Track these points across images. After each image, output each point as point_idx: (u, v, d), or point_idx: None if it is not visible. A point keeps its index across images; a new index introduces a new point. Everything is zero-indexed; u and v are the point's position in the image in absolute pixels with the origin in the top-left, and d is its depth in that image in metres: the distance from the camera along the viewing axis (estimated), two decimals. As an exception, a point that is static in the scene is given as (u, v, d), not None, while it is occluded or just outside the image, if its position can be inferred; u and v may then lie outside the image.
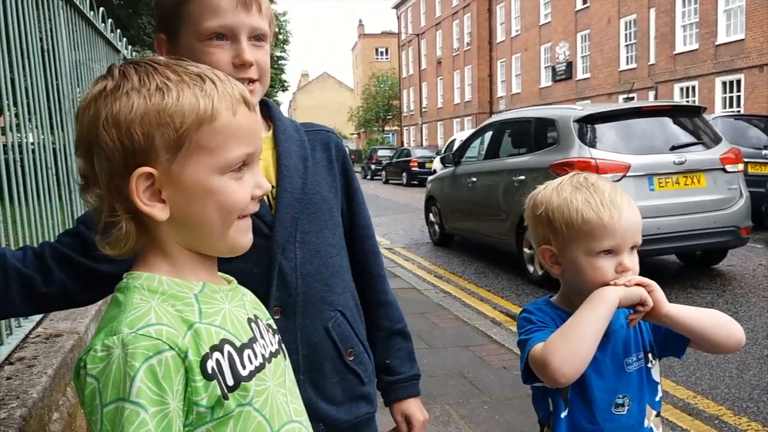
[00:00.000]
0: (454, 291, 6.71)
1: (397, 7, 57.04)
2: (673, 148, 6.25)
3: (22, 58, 2.45)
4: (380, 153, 34.84)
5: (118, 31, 4.93)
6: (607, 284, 1.26)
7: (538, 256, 1.41)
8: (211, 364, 0.81)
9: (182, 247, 0.88)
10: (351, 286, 1.38)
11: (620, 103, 9.21)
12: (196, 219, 0.86)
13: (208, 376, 0.80)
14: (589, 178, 1.36)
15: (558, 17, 32.60)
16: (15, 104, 2.41)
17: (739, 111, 18.44)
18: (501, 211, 7.34)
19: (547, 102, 29.17)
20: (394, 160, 28.79)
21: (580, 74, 31.33)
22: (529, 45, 35.95)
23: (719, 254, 7.04)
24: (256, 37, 1.21)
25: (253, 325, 0.93)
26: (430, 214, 9.97)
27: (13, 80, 2.33)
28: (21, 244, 2.19)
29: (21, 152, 2.40)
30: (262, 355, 0.91)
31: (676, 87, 22.79)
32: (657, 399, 1.37)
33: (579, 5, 30.78)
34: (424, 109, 51.30)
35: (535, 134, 7.07)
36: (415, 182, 24.49)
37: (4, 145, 2.25)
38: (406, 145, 49.59)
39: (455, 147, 12.23)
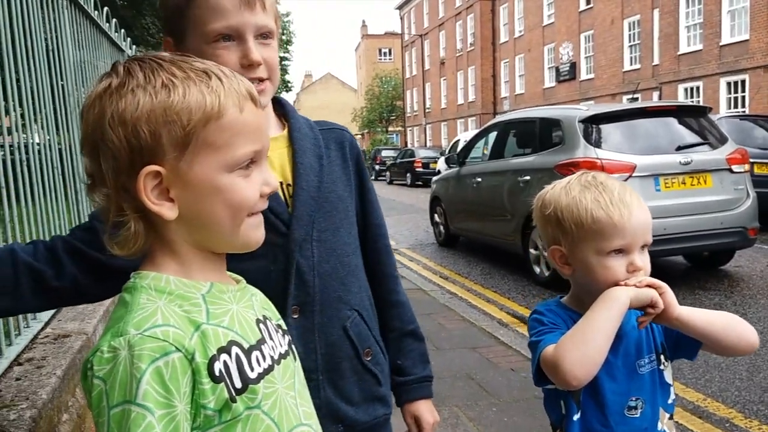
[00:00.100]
0: (460, 292, 6.69)
1: (400, 7, 57.07)
2: (679, 149, 6.22)
3: (27, 58, 2.45)
4: (384, 153, 34.86)
5: (123, 31, 4.94)
6: (618, 284, 1.24)
7: (548, 257, 1.40)
8: (218, 366, 0.80)
9: (191, 245, 0.87)
10: (366, 286, 1.37)
11: (626, 104, 9.21)
12: (205, 217, 0.84)
13: (215, 379, 0.79)
14: (597, 176, 1.34)
15: (561, 18, 32.57)
16: (20, 105, 2.41)
17: (743, 111, 18.38)
18: (506, 211, 7.32)
19: (551, 102, 29.13)
20: (398, 160, 28.77)
21: (583, 75, 31.30)
22: (532, 45, 35.93)
23: (726, 255, 7.00)
24: (263, 35, 1.19)
25: (261, 326, 0.92)
26: (435, 215, 9.96)
27: (18, 81, 2.33)
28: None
29: (27, 152, 2.40)
30: (271, 357, 0.89)
31: (681, 87, 22.75)
32: (670, 401, 1.35)
33: (582, 6, 30.76)
34: (427, 110, 51.32)
35: (540, 134, 7.04)
36: (420, 183, 24.49)
37: (11, 145, 2.25)
38: (410, 145, 49.58)
39: (459, 147, 12.23)
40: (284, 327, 1.02)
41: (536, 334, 1.29)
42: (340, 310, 1.28)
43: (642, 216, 1.28)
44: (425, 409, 1.42)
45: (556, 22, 33.17)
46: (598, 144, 6.21)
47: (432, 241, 10.15)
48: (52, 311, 2.40)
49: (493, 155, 8.22)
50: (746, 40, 19.95)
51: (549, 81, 34.59)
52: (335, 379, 1.27)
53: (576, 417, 1.29)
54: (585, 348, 1.17)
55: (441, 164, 16.92)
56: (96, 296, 1.19)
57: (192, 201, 0.84)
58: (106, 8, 4.16)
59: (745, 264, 7.22)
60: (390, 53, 72.39)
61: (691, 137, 6.52)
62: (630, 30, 27.58)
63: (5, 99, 2.16)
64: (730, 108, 20.55)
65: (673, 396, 1.36)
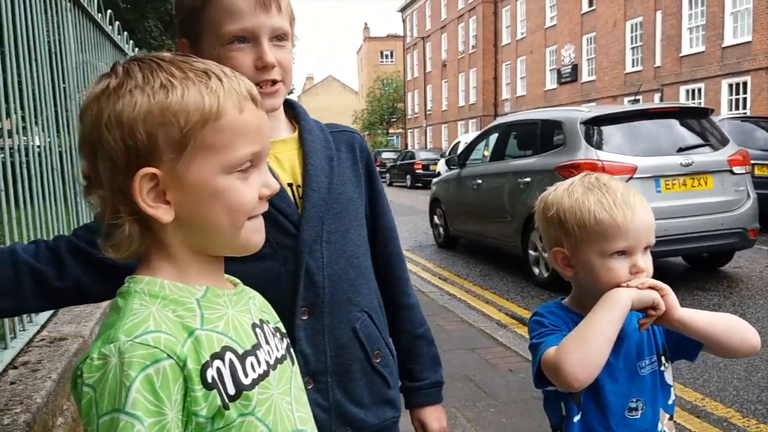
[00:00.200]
0: (459, 293, 6.69)
1: (402, 10, 57.09)
2: (680, 150, 6.21)
3: (29, 60, 2.45)
4: (384, 155, 34.84)
5: (125, 33, 4.94)
6: (620, 286, 1.24)
7: (549, 259, 1.39)
8: (211, 373, 0.79)
9: (188, 249, 0.86)
10: (375, 288, 1.36)
11: (627, 105, 9.20)
12: (202, 220, 0.83)
13: (208, 386, 0.78)
14: (600, 178, 1.34)
15: (564, 20, 32.57)
16: (22, 107, 2.41)
17: (745, 113, 18.36)
18: (506, 213, 7.32)
19: (552, 104, 29.13)
20: (399, 162, 28.76)
21: (585, 77, 31.29)
22: (534, 48, 35.92)
23: (726, 256, 7.00)
24: (278, 36, 1.19)
25: (257, 330, 0.90)
26: (435, 217, 9.95)
27: (20, 82, 2.33)
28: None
29: (27, 155, 2.40)
30: (267, 362, 0.88)
31: (682, 89, 22.72)
32: (670, 402, 1.35)
33: (585, 8, 30.75)
34: (428, 112, 51.30)
35: (541, 136, 7.04)
36: (420, 184, 24.48)
37: (11, 148, 2.25)
38: (410, 147, 49.58)
39: (460, 149, 12.22)
40: (283, 330, 1.01)
41: (537, 336, 1.28)
42: (349, 312, 1.27)
43: (645, 217, 1.27)
44: (432, 416, 1.42)
45: (559, 24, 33.16)
46: (599, 145, 6.20)
47: (431, 242, 10.15)
48: (49, 314, 2.40)
49: (493, 157, 8.21)
50: (749, 42, 19.94)
51: (550, 83, 34.57)
52: (345, 382, 1.26)
53: (576, 418, 1.29)
54: (587, 350, 1.17)
55: (441, 166, 16.91)
56: (100, 296, 1.18)
57: (189, 204, 0.82)
58: (109, 11, 4.16)
59: (745, 265, 7.22)
60: (392, 55, 72.39)
61: (692, 139, 6.52)
62: (632, 32, 27.57)
63: (6, 101, 2.16)
64: (731, 110, 20.53)
65: (673, 397, 1.36)
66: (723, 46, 20.87)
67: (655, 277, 1.26)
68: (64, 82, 3.05)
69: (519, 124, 8.08)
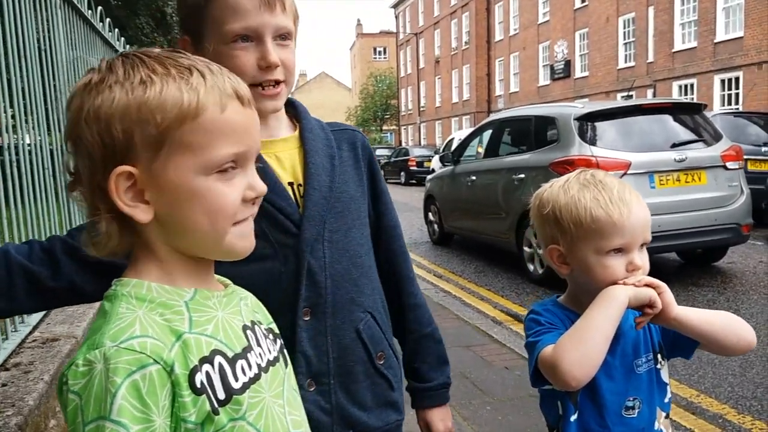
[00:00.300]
0: (454, 290, 6.69)
1: (395, 6, 57.00)
2: (674, 146, 6.23)
3: (19, 57, 2.43)
4: (378, 152, 34.72)
5: (116, 30, 4.90)
6: (616, 283, 1.23)
7: (545, 256, 1.38)
8: (200, 378, 0.77)
9: (172, 250, 0.83)
10: (379, 288, 1.34)
11: (620, 101, 9.21)
12: (181, 222, 0.81)
13: (196, 391, 0.76)
14: (596, 175, 1.33)
15: (556, 16, 32.60)
16: (11, 105, 2.38)
17: (738, 108, 18.43)
18: (501, 209, 7.32)
19: (546, 101, 29.17)
20: (393, 159, 28.75)
21: (578, 73, 31.34)
22: (527, 44, 35.94)
23: (720, 251, 7.03)
24: (281, 35, 1.17)
25: (248, 332, 0.88)
26: (429, 213, 9.95)
27: (9, 80, 2.30)
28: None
29: (17, 153, 2.37)
30: (258, 365, 0.86)
31: (675, 85, 22.79)
32: (666, 400, 1.34)
33: (577, 4, 30.78)
34: (422, 109, 51.29)
35: (535, 132, 7.04)
36: (414, 181, 24.48)
37: (0, 146, 2.22)
38: (404, 144, 49.58)
39: (453, 146, 12.22)
40: (276, 331, 0.99)
41: (534, 335, 1.27)
42: (352, 312, 1.25)
43: (641, 214, 1.26)
44: (437, 418, 1.41)
45: (551, 20, 33.19)
46: (593, 141, 6.21)
47: (426, 239, 10.14)
48: (41, 314, 2.38)
49: (487, 153, 8.21)
50: (740, 37, 20.00)
51: (544, 79, 34.61)
52: (347, 384, 1.24)
53: (573, 418, 1.28)
54: (584, 348, 1.16)
55: (435, 163, 16.94)
56: (95, 296, 1.15)
57: (167, 204, 0.80)
58: (99, 8, 4.13)
59: (738, 260, 7.24)
60: (385, 52, 72.34)
61: (685, 134, 6.53)
62: (625, 27, 27.62)
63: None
64: (724, 105, 20.60)
65: (669, 395, 1.36)
66: (715, 41, 20.93)
67: (650, 273, 1.25)
68: (54, 80, 3.02)
69: (513, 121, 8.08)
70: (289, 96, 1.30)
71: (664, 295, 1.22)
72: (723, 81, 20.98)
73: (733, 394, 3.71)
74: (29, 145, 2.54)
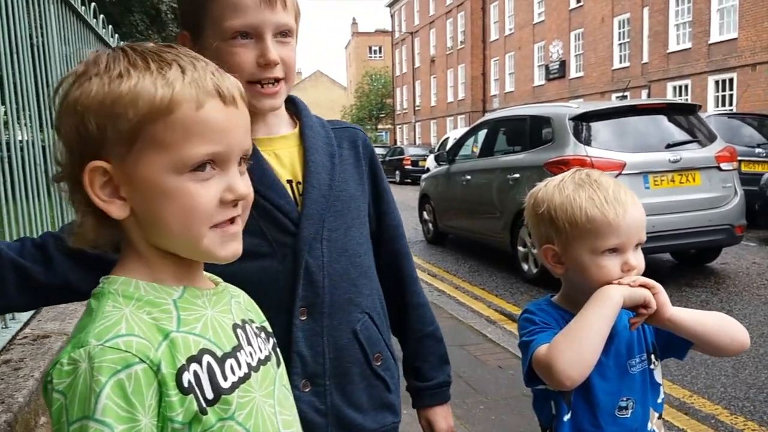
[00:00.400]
0: (448, 289, 6.69)
1: (390, 5, 57.00)
2: (669, 146, 6.24)
3: (11, 53, 2.41)
4: (373, 151, 34.75)
5: (110, 27, 4.88)
6: (611, 283, 1.23)
7: (539, 256, 1.38)
8: (187, 377, 0.75)
9: (155, 248, 0.82)
10: (378, 288, 1.32)
11: (615, 101, 9.24)
12: (155, 221, 0.79)
13: (184, 390, 0.75)
14: (591, 174, 1.32)
15: (552, 16, 32.65)
16: (3, 101, 2.36)
17: (732, 110, 18.50)
18: (495, 209, 7.32)
19: (541, 100, 29.21)
20: (388, 158, 28.73)
21: (573, 73, 31.40)
22: (522, 43, 35.99)
23: (713, 252, 7.05)
24: (282, 33, 1.15)
25: (239, 331, 0.87)
26: (424, 213, 9.95)
27: (1, 77, 2.28)
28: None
29: (9, 150, 2.35)
30: (248, 365, 0.85)
31: (669, 86, 22.86)
32: (659, 401, 1.35)
33: (573, 4, 30.84)
34: (417, 108, 51.31)
35: (530, 132, 7.05)
36: (408, 180, 24.50)
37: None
38: (399, 143, 49.57)
39: (448, 145, 12.22)
40: (269, 329, 0.98)
41: (528, 334, 1.27)
42: (350, 313, 1.24)
43: (637, 214, 1.26)
44: (440, 416, 1.40)
45: (547, 20, 33.24)
46: (588, 142, 6.22)
47: (421, 238, 10.14)
48: (32, 311, 2.36)
49: (482, 153, 8.22)
50: (735, 39, 20.07)
51: (539, 79, 34.67)
52: (343, 385, 1.23)
53: (566, 417, 1.27)
54: (579, 348, 1.15)
55: (430, 162, 16.93)
56: (89, 293, 1.16)
57: (141, 202, 0.78)
58: (93, 4, 4.10)
59: (732, 261, 7.27)
60: (380, 51, 72.31)
61: (680, 135, 6.55)
62: (620, 28, 27.68)
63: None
64: (718, 106, 20.67)
65: (662, 395, 1.36)
66: (709, 42, 21.00)
67: (643, 273, 1.25)
68: (47, 76, 3.00)
69: (508, 120, 8.09)
70: (292, 95, 1.29)
71: (659, 296, 1.21)
72: (717, 82, 21.05)
73: (726, 395, 3.72)
74: (21, 141, 2.52)
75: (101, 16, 4.42)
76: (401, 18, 54.93)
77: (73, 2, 3.48)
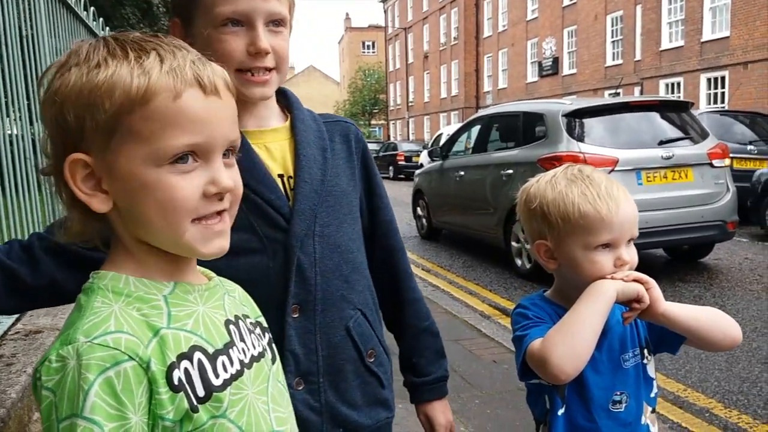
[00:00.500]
0: (443, 284, 6.69)
1: (384, 0, 56.90)
2: (661, 143, 6.26)
3: (0, 45, 2.38)
4: (367, 147, 34.74)
5: (101, 20, 4.84)
6: (604, 278, 1.23)
7: (532, 251, 1.37)
8: (178, 375, 0.74)
9: (142, 242, 0.80)
10: (370, 284, 1.31)
11: (608, 98, 9.26)
12: (138, 216, 0.77)
13: (174, 388, 0.74)
14: (583, 170, 1.32)
15: (545, 13, 32.67)
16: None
17: (724, 107, 18.57)
18: (489, 205, 7.33)
19: (534, 97, 29.25)
20: (381, 153, 28.73)
21: (566, 70, 31.45)
22: (516, 40, 36.00)
23: (706, 248, 7.08)
24: (274, 22, 1.13)
25: (231, 327, 0.85)
26: (418, 208, 9.95)
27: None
28: (-1, 238, 2.12)
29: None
30: (240, 361, 0.83)
31: (662, 83, 22.93)
32: (652, 395, 1.35)
33: (566, 1, 30.87)
34: (410, 104, 51.30)
35: (523, 128, 7.05)
36: (402, 176, 24.50)
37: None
38: (392, 139, 49.56)
39: (442, 141, 12.22)
40: (264, 325, 0.97)
41: (521, 329, 1.27)
42: (343, 310, 1.22)
43: (629, 209, 1.26)
44: (438, 411, 1.40)
45: (540, 17, 33.25)
46: (581, 138, 6.23)
47: (414, 234, 10.14)
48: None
49: (476, 149, 8.22)
50: (727, 37, 20.13)
51: (532, 76, 34.70)
52: (337, 382, 1.21)
53: (560, 412, 1.28)
54: (573, 342, 1.15)
55: (424, 158, 16.91)
56: (76, 294, 1.13)
57: (123, 196, 0.77)
58: (83, -4, 4.07)
59: (724, 257, 7.30)
60: (373, 46, 72.21)
61: (673, 132, 6.57)
62: (613, 25, 27.73)
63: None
64: (710, 104, 20.75)
65: (655, 390, 1.36)
66: (702, 40, 21.06)
67: (637, 269, 1.25)
68: (37, 69, 2.98)
69: (501, 116, 8.10)
70: (284, 87, 1.27)
71: (652, 291, 1.21)
72: (709, 80, 21.12)
73: (720, 389, 3.74)
74: (10, 134, 2.50)
75: (92, 8, 4.39)
76: (394, 13, 54.86)
77: (63, -6, 3.45)
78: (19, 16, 2.66)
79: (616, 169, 5.84)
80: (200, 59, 0.80)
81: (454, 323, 5.03)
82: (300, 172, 1.19)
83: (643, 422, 1.32)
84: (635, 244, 1.30)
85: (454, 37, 42.85)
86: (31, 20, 2.92)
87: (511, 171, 6.84)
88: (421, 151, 22.67)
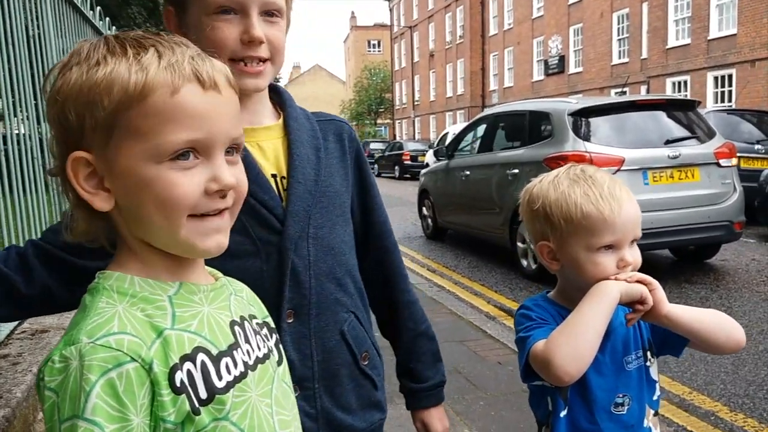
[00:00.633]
0: (448, 285, 6.69)
1: (389, -1, 56.88)
2: (668, 142, 6.23)
3: (6, 44, 2.39)
4: (372, 146, 34.75)
5: (107, 19, 4.86)
6: (608, 278, 1.22)
7: (535, 252, 1.37)
8: (180, 377, 0.74)
9: (142, 242, 0.80)
10: (361, 286, 1.28)
11: (615, 97, 9.22)
12: (137, 213, 0.77)
13: (176, 390, 0.73)
14: (586, 170, 1.32)
15: (551, 11, 32.57)
16: (0, 94, 2.35)
17: (731, 106, 18.48)
18: (494, 204, 7.31)
19: (540, 96, 29.18)
20: (387, 153, 28.74)
21: (572, 68, 31.35)
22: (521, 38, 35.91)
23: (712, 249, 7.04)
24: (269, 12, 1.10)
25: (236, 328, 0.85)
26: (423, 208, 9.94)
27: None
28: (5, 238, 2.14)
29: (5, 143, 2.34)
30: (244, 363, 0.83)
31: (668, 81, 22.83)
32: (655, 398, 1.34)
33: (572, -1, 30.76)
34: (416, 103, 51.24)
35: (529, 127, 7.03)
36: (408, 175, 24.48)
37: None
38: (398, 138, 49.54)
39: (448, 140, 12.21)
40: (272, 325, 0.96)
41: (524, 330, 1.27)
42: (337, 313, 1.20)
43: (632, 210, 1.26)
44: (435, 417, 1.38)
45: (546, 15, 33.16)
46: (587, 137, 6.21)
47: (420, 234, 10.14)
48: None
49: (482, 148, 8.20)
50: (734, 35, 20.03)
51: (538, 74, 34.60)
52: (332, 387, 1.19)
53: (563, 414, 1.27)
54: (576, 343, 1.15)
55: (429, 157, 16.93)
56: (70, 303, 1.10)
57: (124, 194, 0.76)
58: (89, -5, 4.09)
59: (731, 258, 7.27)
60: (379, 45, 72.17)
61: (679, 131, 6.54)
62: (619, 23, 27.63)
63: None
64: (717, 102, 20.65)
65: (658, 392, 1.35)
66: (709, 38, 20.96)
67: (642, 269, 1.25)
68: (44, 68, 2.99)
69: (507, 115, 8.08)
70: (276, 84, 1.25)
71: (656, 292, 1.21)
72: (716, 78, 21.02)
73: (726, 392, 3.72)
74: (17, 133, 2.51)
75: (98, 8, 4.41)
76: (400, 12, 54.80)
77: (70, -6, 3.46)
78: (26, 15, 2.67)
79: (622, 168, 5.82)
80: (200, 55, 0.79)
81: (459, 324, 5.03)
82: (294, 172, 1.16)
83: (645, 425, 1.31)
84: (641, 245, 1.29)
85: (460, 36, 42.77)
86: (37, 20, 2.93)
87: (516, 170, 6.83)
88: (426, 151, 22.66)
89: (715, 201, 6.23)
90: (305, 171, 1.17)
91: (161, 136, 0.74)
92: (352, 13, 75.74)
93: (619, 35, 27.70)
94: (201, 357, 0.77)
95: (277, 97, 1.25)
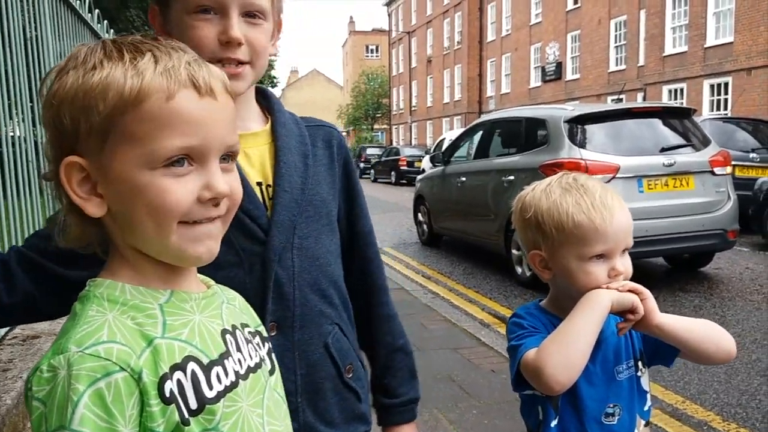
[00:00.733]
0: (443, 292, 6.68)
1: (388, 4, 56.99)
2: (663, 150, 6.25)
3: (4, 47, 2.39)
4: (369, 151, 34.76)
5: (106, 22, 4.86)
6: (599, 287, 1.23)
7: (527, 261, 1.37)
8: (170, 387, 0.73)
9: (134, 249, 0.79)
10: (346, 297, 1.25)
11: (611, 104, 9.24)
12: (129, 220, 0.76)
13: (165, 400, 0.72)
14: (578, 178, 1.32)
15: (548, 17, 32.68)
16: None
17: (726, 114, 18.55)
18: (490, 211, 7.32)
19: (537, 102, 29.23)
20: (383, 158, 28.75)
21: (569, 75, 31.43)
22: (519, 45, 36.01)
23: (706, 257, 7.06)
24: (250, 13, 1.07)
25: (228, 337, 0.83)
26: (419, 214, 9.94)
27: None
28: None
29: (0, 146, 2.34)
30: (236, 372, 0.81)
31: (665, 89, 22.91)
32: (646, 408, 1.34)
33: (570, 5, 30.87)
34: (413, 108, 51.29)
35: (525, 134, 7.05)
36: (404, 181, 24.50)
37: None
38: (395, 143, 49.58)
39: (444, 146, 12.23)
40: (264, 334, 0.95)
41: (516, 338, 1.26)
42: (321, 326, 1.16)
43: (624, 219, 1.26)
44: None
45: (544, 21, 33.27)
46: (582, 144, 6.22)
47: (415, 240, 10.13)
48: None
49: (478, 155, 8.22)
50: (730, 43, 20.11)
51: (535, 81, 34.70)
52: (315, 401, 1.16)
53: (554, 423, 1.27)
54: (567, 352, 1.15)
55: (426, 163, 16.93)
56: (52, 313, 1.08)
57: (116, 200, 0.76)
58: (87, -1, 4.09)
59: (725, 266, 7.28)
60: (377, 50, 72.29)
61: (674, 139, 6.56)
62: (616, 30, 27.73)
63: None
64: (713, 110, 20.72)
65: (649, 403, 1.35)
66: (705, 46, 21.05)
67: (636, 278, 1.25)
68: (41, 71, 2.99)
69: (503, 122, 8.09)
70: (264, 87, 1.23)
71: (647, 302, 1.21)
72: (712, 86, 21.10)
73: (719, 401, 3.72)
74: (12, 135, 2.51)
75: (96, 10, 4.41)
76: (398, 17, 54.92)
77: (66, -3, 3.46)
78: (23, 18, 2.67)
79: (617, 176, 5.83)
80: (197, 60, 0.79)
81: (453, 331, 5.02)
82: (280, 181, 1.13)
83: (635, 435, 1.31)
84: (636, 253, 1.29)
85: (458, 42, 42.87)
86: (35, 22, 2.93)
87: (512, 177, 6.84)
88: (423, 156, 22.67)
89: (709, 209, 6.25)
90: (292, 179, 1.15)
91: (156, 141, 0.73)
92: (351, 17, 75.89)
93: (616, 42, 27.80)
94: (191, 366, 0.76)
95: (265, 101, 1.22)
